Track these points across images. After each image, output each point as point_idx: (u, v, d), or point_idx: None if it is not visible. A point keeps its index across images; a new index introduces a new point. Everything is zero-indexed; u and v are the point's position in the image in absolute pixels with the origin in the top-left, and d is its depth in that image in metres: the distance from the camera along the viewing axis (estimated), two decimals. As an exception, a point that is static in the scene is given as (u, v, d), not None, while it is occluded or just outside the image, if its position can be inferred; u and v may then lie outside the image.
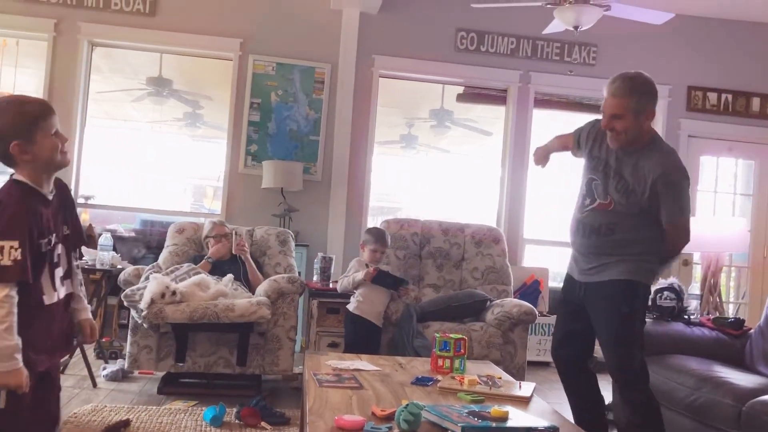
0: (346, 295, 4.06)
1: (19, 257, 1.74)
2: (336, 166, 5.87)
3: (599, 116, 2.95)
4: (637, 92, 2.75)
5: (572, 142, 3.17)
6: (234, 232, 4.42)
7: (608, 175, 2.91)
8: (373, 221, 6.12)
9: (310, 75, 5.88)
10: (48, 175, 1.92)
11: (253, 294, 4.11)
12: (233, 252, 4.31)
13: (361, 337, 3.92)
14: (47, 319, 1.93)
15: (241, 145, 5.81)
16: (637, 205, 2.85)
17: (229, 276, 4.08)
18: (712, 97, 6.36)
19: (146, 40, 5.78)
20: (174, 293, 3.72)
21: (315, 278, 4.64)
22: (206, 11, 5.80)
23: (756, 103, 6.40)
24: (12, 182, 1.87)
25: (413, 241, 4.64)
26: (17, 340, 1.76)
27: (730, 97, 6.38)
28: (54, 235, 1.92)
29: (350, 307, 4.00)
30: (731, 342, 3.79)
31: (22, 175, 1.88)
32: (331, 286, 4.43)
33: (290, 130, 5.85)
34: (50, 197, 1.94)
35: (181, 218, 5.64)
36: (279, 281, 4.05)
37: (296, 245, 4.82)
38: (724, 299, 5.95)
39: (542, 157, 3.34)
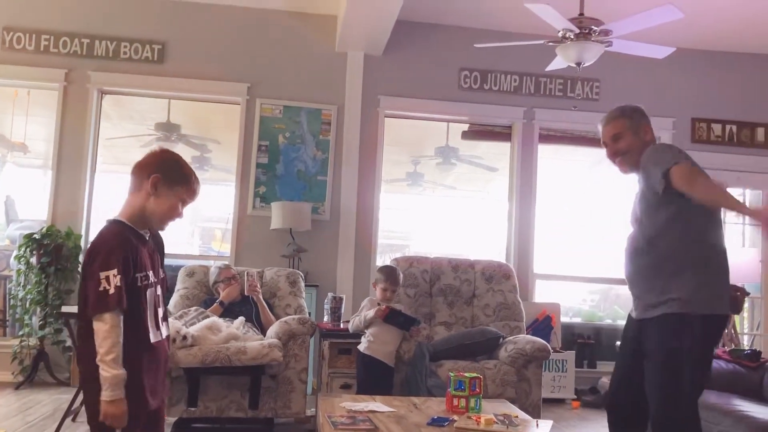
0: (358, 336, 4.03)
1: (119, 284, 1.83)
2: (344, 205, 5.90)
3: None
4: (627, 112, 2.80)
5: None
6: (246, 273, 4.43)
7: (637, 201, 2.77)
8: (381, 259, 6.12)
9: (316, 116, 5.95)
10: (144, 223, 2.02)
11: (264, 336, 4.09)
12: (246, 293, 4.31)
13: (374, 378, 3.88)
14: (155, 358, 2.00)
15: (249, 187, 5.85)
16: (655, 206, 2.61)
17: (241, 318, 4.08)
18: (717, 128, 6.40)
19: (155, 86, 5.88)
20: (185, 338, 3.70)
21: (326, 318, 4.63)
22: (213, 57, 5.91)
23: (761, 133, 6.43)
24: (110, 222, 1.99)
25: (423, 279, 4.62)
26: (123, 371, 1.83)
27: (734, 127, 6.41)
28: (151, 272, 2.00)
29: (361, 347, 3.97)
30: (749, 374, 3.76)
31: (124, 213, 1.99)
32: (342, 326, 4.41)
33: (298, 171, 5.90)
34: (147, 237, 2.04)
35: (190, 262, 5.65)
36: (290, 323, 4.04)
37: (306, 285, 4.82)
38: (738, 331, 5.90)
39: None
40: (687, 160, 2.54)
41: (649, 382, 2.53)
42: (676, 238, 2.55)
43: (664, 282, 2.54)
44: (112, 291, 1.82)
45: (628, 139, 2.76)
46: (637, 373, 2.60)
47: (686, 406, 2.47)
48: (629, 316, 2.80)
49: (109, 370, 1.81)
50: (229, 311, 4.22)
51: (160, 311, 2.05)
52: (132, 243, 1.94)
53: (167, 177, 1.98)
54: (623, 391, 2.72)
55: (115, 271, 1.83)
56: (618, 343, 2.92)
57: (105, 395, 1.81)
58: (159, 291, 2.05)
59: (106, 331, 1.82)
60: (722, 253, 2.59)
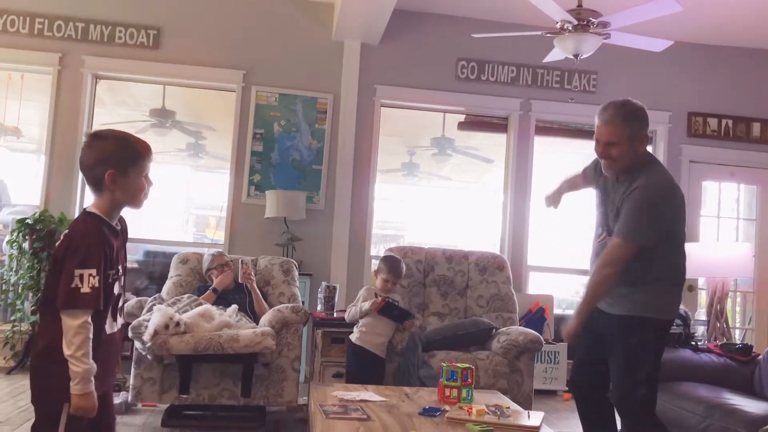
0: (351, 325, 4.03)
1: (96, 285, 1.84)
2: (339, 194, 5.89)
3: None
4: (629, 119, 2.73)
5: (582, 179, 3.19)
6: (240, 261, 4.41)
7: (607, 206, 2.89)
8: (376, 249, 6.12)
9: (312, 105, 5.93)
10: (119, 210, 2.01)
11: (258, 324, 4.08)
12: (240, 281, 4.30)
13: (363, 368, 3.87)
14: (107, 348, 2.00)
15: (244, 175, 5.83)
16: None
17: (234, 307, 4.07)
18: (713, 122, 6.40)
19: (149, 72, 5.84)
20: (178, 324, 3.69)
21: (319, 308, 4.62)
22: (209, 43, 5.87)
23: (756, 128, 6.44)
24: (86, 214, 1.97)
25: (417, 269, 4.62)
26: (92, 365, 1.85)
27: (730, 122, 6.41)
28: (119, 266, 2.01)
29: (352, 337, 3.96)
30: (740, 368, 3.77)
31: (98, 207, 1.97)
32: (335, 315, 4.41)
33: (293, 160, 5.88)
34: (118, 229, 2.04)
35: (184, 249, 5.63)
36: (283, 311, 4.03)
37: (300, 274, 4.81)
38: (730, 325, 5.92)
39: (555, 200, 3.36)
40: (636, 239, 2.68)
41: (613, 369, 2.83)
42: (653, 253, 2.71)
43: (631, 287, 2.75)
44: (85, 290, 1.82)
45: (621, 148, 2.73)
46: (595, 357, 2.91)
47: (643, 391, 2.74)
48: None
49: (80, 365, 1.83)
50: (222, 299, 4.21)
51: (120, 302, 2.07)
52: (109, 240, 1.94)
53: (119, 166, 1.93)
54: (584, 371, 3.01)
55: (93, 271, 1.84)
56: None
57: (77, 389, 1.83)
58: (122, 281, 2.05)
59: (77, 327, 1.83)
60: (680, 272, 2.83)
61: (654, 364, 2.78)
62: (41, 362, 1.92)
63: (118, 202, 1.98)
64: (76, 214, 5.61)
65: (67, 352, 1.82)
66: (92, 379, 1.84)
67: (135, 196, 1.99)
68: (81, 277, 1.82)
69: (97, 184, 1.95)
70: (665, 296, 2.80)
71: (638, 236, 2.68)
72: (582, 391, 3.05)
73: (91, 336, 1.85)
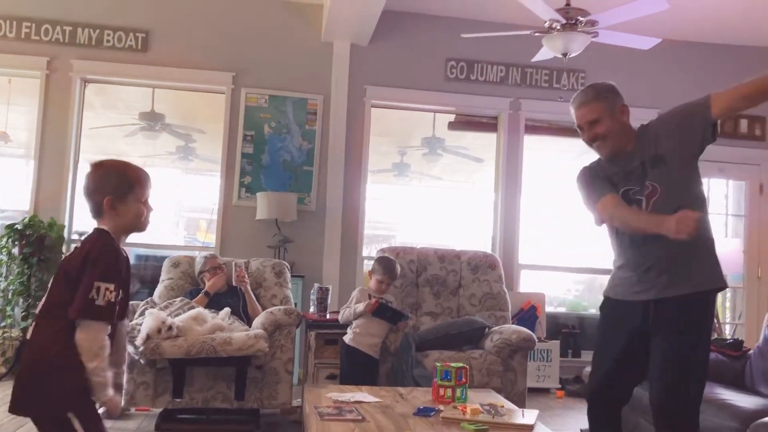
0: (344, 326, 4.02)
1: (112, 299, 1.92)
2: (330, 195, 5.88)
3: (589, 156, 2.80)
4: (601, 94, 2.70)
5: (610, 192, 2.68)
6: (234, 264, 4.40)
7: (640, 173, 2.62)
8: (367, 250, 6.12)
9: (302, 106, 5.92)
10: (124, 236, 2.11)
11: (250, 326, 4.08)
12: (234, 284, 4.29)
13: (357, 370, 3.86)
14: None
15: (234, 177, 5.82)
16: (678, 166, 2.60)
17: (226, 310, 4.05)
18: (701, 119, 6.43)
19: (138, 75, 5.81)
20: (170, 328, 3.68)
21: (312, 309, 4.61)
22: (198, 46, 5.85)
23: (744, 124, 6.48)
24: (100, 230, 2.04)
25: (410, 269, 4.63)
26: (109, 376, 1.94)
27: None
28: (122, 290, 2.06)
29: (346, 338, 3.96)
30: (731, 363, 3.79)
31: (106, 227, 2.05)
32: (328, 316, 4.40)
33: (284, 161, 5.87)
34: (124, 254, 2.11)
35: (175, 252, 5.61)
36: (276, 313, 4.03)
37: (292, 276, 4.80)
38: (721, 320, 5.96)
39: None
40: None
41: (660, 361, 2.47)
42: (704, 215, 2.54)
43: (698, 261, 2.50)
44: (101, 303, 1.89)
45: (606, 123, 2.63)
46: (628, 364, 2.58)
47: (696, 387, 2.46)
48: (613, 301, 2.68)
49: (102, 375, 1.90)
50: (214, 302, 4.19)
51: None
52: (123, 260, 2.04)
53: (117, 194, 2.03)
54: (612, 383, 2.64)
55: (112, 287, 1.92)
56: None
57: (104, 396, 1.91)
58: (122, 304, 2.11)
59: (92, 339, 1.90)
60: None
61: (708, 352, 2.54)
62: (39, 371, 1.92)
63: (122, 228, 2.07)
64: (66, 219, 5.58)
65: (89, 365, 1.88)
66: (110, 388, 1.93)
67: (135, 221, 2.08)
68: (99, 289, 1.90)
69: (97, 210, 2.05)
70: (715, 260, 2.56)
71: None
72: (605, 406, 2.70)
73: (105, 344, 1.93)
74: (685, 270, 2.49)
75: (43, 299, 1.99)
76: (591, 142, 2.69)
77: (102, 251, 1.97)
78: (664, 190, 2.57)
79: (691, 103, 2.63)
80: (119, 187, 2.04)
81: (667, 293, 2.49)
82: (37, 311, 2.00)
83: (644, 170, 2.61)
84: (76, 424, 1.90)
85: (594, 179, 2.69)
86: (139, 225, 2.11)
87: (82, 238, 5.71)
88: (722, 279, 2.56)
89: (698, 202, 2.61)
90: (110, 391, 1.93)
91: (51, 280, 2.02)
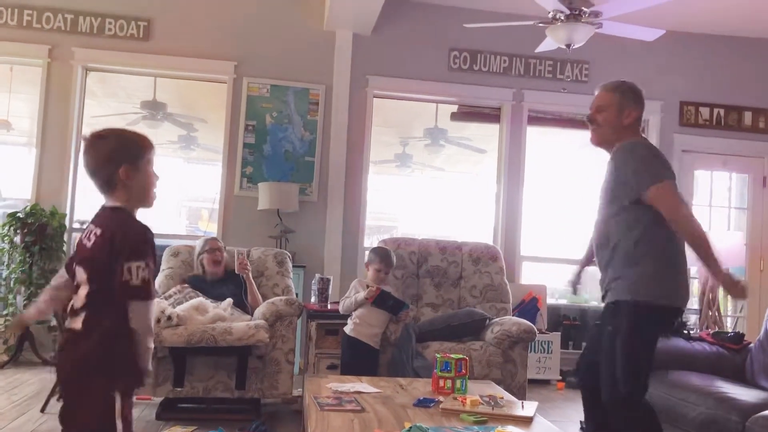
0: (345, 317, 4.03)
1: (146, 276, 1.88)
2: (332, 186, 5.87)
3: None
4: (621, 90, 2.82)
5: None
6: (236, 251, 4.40)
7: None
8: (369, 241, 6.12)
9: (304, 96, 5.90)
10: (136, 209, 2.03)
11: (252, 315, 4.08)
12: (236, 271, 4.29)
13: (358, 360, 3.87)
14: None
15: (236, 167, 5.81)
16: (615, 198, 2.71)
17: (228, 300, 4.06)
18: (705, 111, 6.41)
19: (140, 64, 5.80)
20: (170, 318, 3.69)
21: (313, 299, 4.62)
22: (200, 35, 5.83)
23: (748, 117, 6.45)
24: (116, 209, 1.96)
25: (411, 260, 4.62)
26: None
27: (722, 111, 6.42)
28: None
29: (347, 329, 3.96)
30: (731, 356, 3.79)
31: (120, 203, 1.97)
32: (329, 307, 4.41)
33: (285, 152, 5.86)
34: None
35: (177, 241, 5.61)
36: (277, 303, 4.03)
37: (293, 266, 4.80)
38: (722, 313, 5.96)
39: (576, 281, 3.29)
40: (670, 178, 2.63)
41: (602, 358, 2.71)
42: (636, 221, 2.66)
43: (620, 270, 2.68)
44: (137, 283, 1.86)
45: (608, 115, 2.79)
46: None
47: (630, 382, 2.62)
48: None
49: (150, 343, 1.92)
50: (217, 289, 4.19)
51: None
52: (150, 231, 1.98)
53: (131, 160, 1.96)
54: (592, 368, 2.82)
55: (143, 263, 1.88)
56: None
57: (145, 363, 1.91)
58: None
59: (139, 319, 1.87)
60: (677, 246, 2.67)
61: (642, 356, 2.67)
62: (88, 360, 1.90)
63: (134, 198, 1.99)
64: (68, 208, 5.57)
65: (144, 344, 1.88)
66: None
67: (148, 191, 2.02)
68: (130, 269, 1.86)
69: (108, 183, 1.96)
70: (657, 278, 2.65)
71: (661, 174, 2.61)
72: (589, 388, 2.91)
73: (150, 324, 1.91)
74: (613, 279, 2.70)
75: (84, 292, 1.93)
76: (589, 122, 2.87)
77: (126, 232, 1.91)
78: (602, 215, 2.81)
79: (638, 174, 2.65)
80: (133, 154, 1.97)
81: (609, 298, 2.73)
82: (78, 304, 1.93)
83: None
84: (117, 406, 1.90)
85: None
86: (151, 196, 2.04)
87: (83, 226, 5.69)
88: (639, 293, 2.61)
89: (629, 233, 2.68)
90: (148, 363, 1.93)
91: (76, 272, 1.95)
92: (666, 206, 2.58)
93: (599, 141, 2.84)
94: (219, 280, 4.30)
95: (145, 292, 1.89)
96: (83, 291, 1.93)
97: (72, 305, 1.96)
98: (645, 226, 2.64)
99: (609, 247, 2.73)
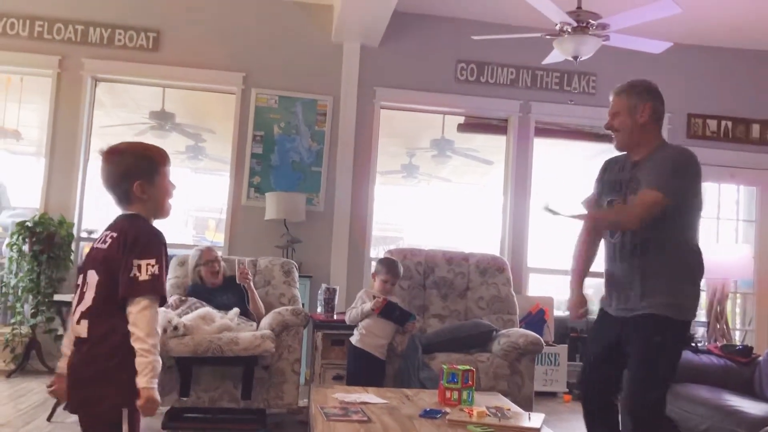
0: (351, 327, 4.03)
1: (156, 272, 1.88)
2: (338, 196, 5.88)
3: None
4: (631, 92, 2.83)
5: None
6: (236, 261, 4.41)
7: (627, 188, 2.82)
8: (375, 251, 6.12)
9: (312, 107, 5.93)
10: (152, 220, 2.05)
11: (257, 325, 4.08)
12: (237, 281, 4.30)
13: (364, 371, 3.87)
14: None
15: (243, 177, 5.83)
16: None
17: (235, 310, 4.06)
18: (712, 124, 6.40)
19: (149, 74, 5.84)
20: (176, 328, 3.69)
21: (319, 310, 4.62)
22: (209, 46, 5.87)
23: (756, 129, 6.44)
24: (133, 216, 1.99)
25: (417, 271, 4.62)
26: (159, 359, 1.87)
27: (729, 123, 6.41)
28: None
29: (353, 339, 3.96)
30: (740, 370, 3.77)
31: (138, 212, 2.00)
32: (335, 317, 4.40)
33: (293, 162, 5.88)
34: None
35: (183, 251, 5.62)
36: (283, 314, 4.03)
37: (300, 276, 4.81)
38: (730, 326, 5.92)
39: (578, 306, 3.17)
40: (671, 197, 2.61)
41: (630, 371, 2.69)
42: (672, 243, 2.68)
43: (653, 283, 2.67)
44: (145, 278, 1.85)
45: (621, 119, 2.83)
46: (610, 369, 2.79)
47: (655, 395, 2.65)
48: (603, 312, 2.95)
49: (150, 356, 1.82)
50: (218, 298, 4.20)
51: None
52: (163, 237, 2.00)
53: (146, 176, 1.99)
54: (599, 389, 2.83)
55: (153, 261, 1.88)
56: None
57: (146, 382, 1.81)
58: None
59: (143, 315, 1.83)
60: (700, 258, 2.74)
61: (669, 369, 2.72)
62: (97, 370, 1.88)
63: (150, 211, 2.02)
64: (76, 217, 5.60)
65: (139, 345, 1.82)
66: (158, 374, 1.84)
67: (162, 203, 2.04)
68: (139, 267, 1.86)
69: (126, 198, 2.00)
70: (683, 296, 2.70)
71: (669, 188, 2.62)
72: (592, 399, 2.90)
73: (157, 327, 1.87)
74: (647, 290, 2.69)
75: (90, 296, 1.91)
76: (608, 130, 2.91)
77: (137, 234, 1.92)
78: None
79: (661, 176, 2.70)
80: (147, 169, 1.99)
81: (628, 314, 2.73)
82: (83, 309, 1.91)
83: (631, 187, 2.80)
84: (125, 423, 1.85)
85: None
86: (166, 207, 2.06)
87: (91, 236, 5.70)
88: (673, 310, 2.64)
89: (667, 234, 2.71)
90: (155, 381, 1.83)
91: (87, 276, 1.94)
92: (638, 203, 2.67)
93: (622, 145, 2.88)
94: (219, 287, 4.31)
95: (153, 288, 1.86)
96: (89, 295, 1.92)
97: (76, 310, 1.95)
98: (676, 239, 2.70)
99: (636, 256, 2.73)
